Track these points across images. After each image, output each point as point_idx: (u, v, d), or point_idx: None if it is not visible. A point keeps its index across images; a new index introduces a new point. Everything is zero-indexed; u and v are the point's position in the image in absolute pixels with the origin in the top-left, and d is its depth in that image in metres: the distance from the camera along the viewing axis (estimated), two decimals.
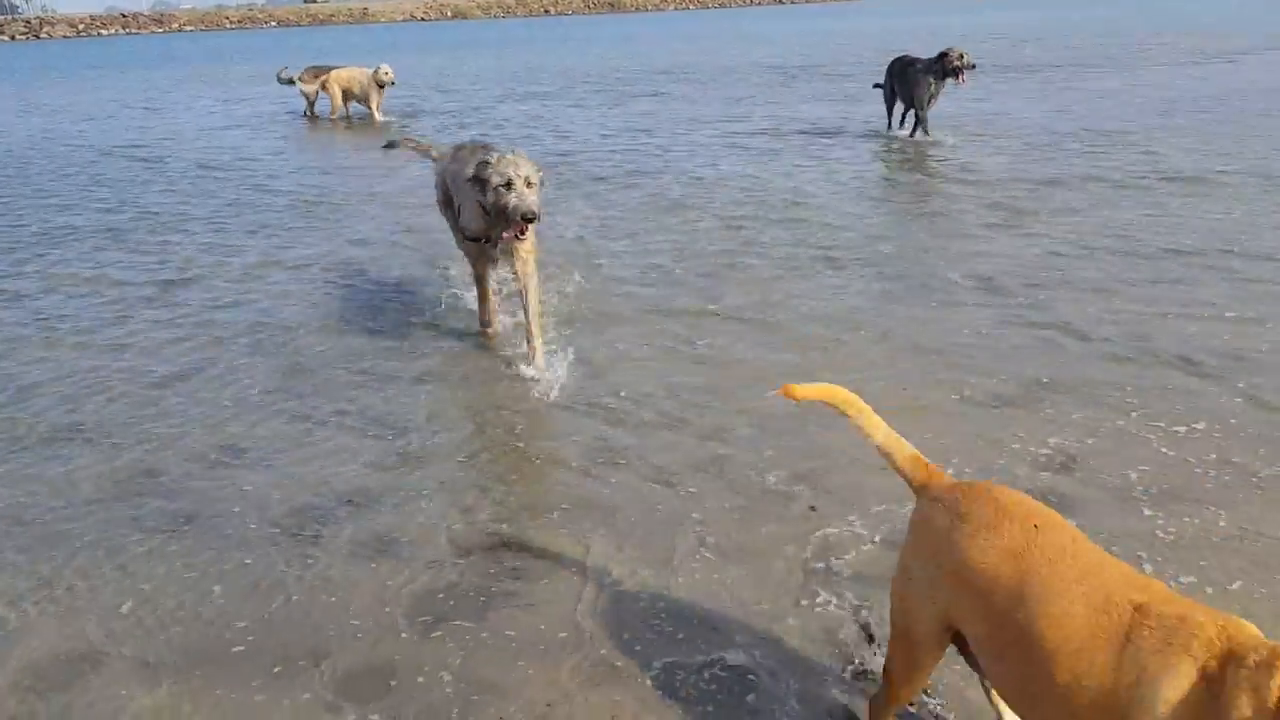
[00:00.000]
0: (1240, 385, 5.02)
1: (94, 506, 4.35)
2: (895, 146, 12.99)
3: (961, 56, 12.85)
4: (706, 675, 3.12)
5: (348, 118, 18.29)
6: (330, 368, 5.89)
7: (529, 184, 5.48)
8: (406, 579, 3.71)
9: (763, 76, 23.04)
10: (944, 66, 12.89)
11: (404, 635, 3.39)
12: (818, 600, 3.47)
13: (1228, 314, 6.04)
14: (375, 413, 5.23)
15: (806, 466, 4.41)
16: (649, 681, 3.10)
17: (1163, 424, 4.66)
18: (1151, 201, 9.02)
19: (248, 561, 3.88)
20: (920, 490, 2.49)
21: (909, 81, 13.34)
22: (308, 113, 18.70)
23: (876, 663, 3.11)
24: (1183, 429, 4.60)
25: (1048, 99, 16.34)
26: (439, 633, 3.39)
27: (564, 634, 3.36)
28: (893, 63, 13.83)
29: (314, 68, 18.85)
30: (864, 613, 3.38)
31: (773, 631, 3.32)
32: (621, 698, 3.04)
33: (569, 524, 4.06)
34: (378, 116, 17.85)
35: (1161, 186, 9.61)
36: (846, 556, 3.73)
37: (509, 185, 5.46)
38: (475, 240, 5.95)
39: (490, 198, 5.51)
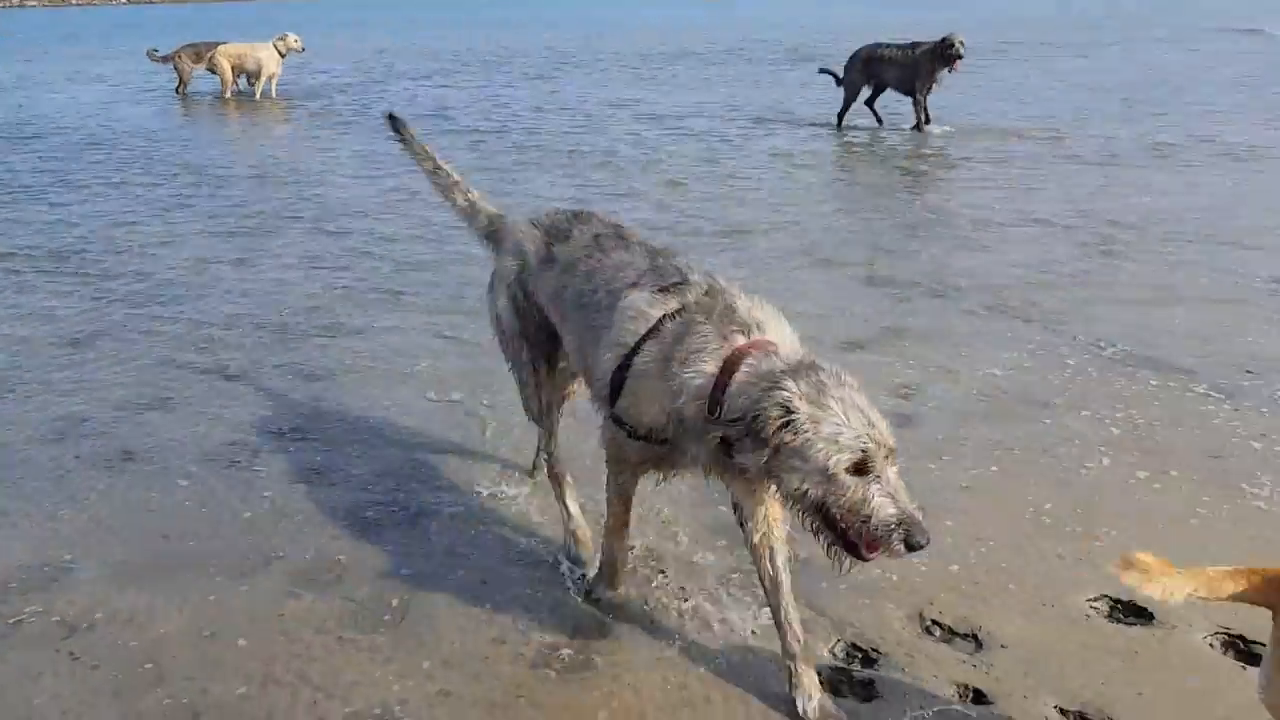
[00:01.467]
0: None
1: (35, 447, 4.64)
2: (826, 130, 13.77)
3: (961, 44, 12.73)
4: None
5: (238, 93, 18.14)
6: (237, 327, 6.23)
7: (891, 455, 2.62)
8: (341, 497, 4.16)
9: (645, 62, 23.73)
10: (945, 53, 12.76)
11: (345, 539, 3.85)
12: None
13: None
14: (291, 362, 5.61)
15: None
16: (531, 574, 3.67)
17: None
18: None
19: (190, 488, 4.26)
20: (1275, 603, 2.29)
21: (908, 66, 13.07)
22: (179, 91, 18.43)
23: None
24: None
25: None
26: (377, 538, 3.86)
27: (483, 534, 3.90)
28: (871, 49, 13.55)
29: (191, 45, 18.58)
30: None
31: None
32: (549, 575, 3.61)
33: (480, 449, 4.59)
34: (272, 93, 17.75)
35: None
36: None
37: (864, 469, 2.60)
38: (647, 439, 3.08)
39: (808, 485, 2.61)
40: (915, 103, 13.29)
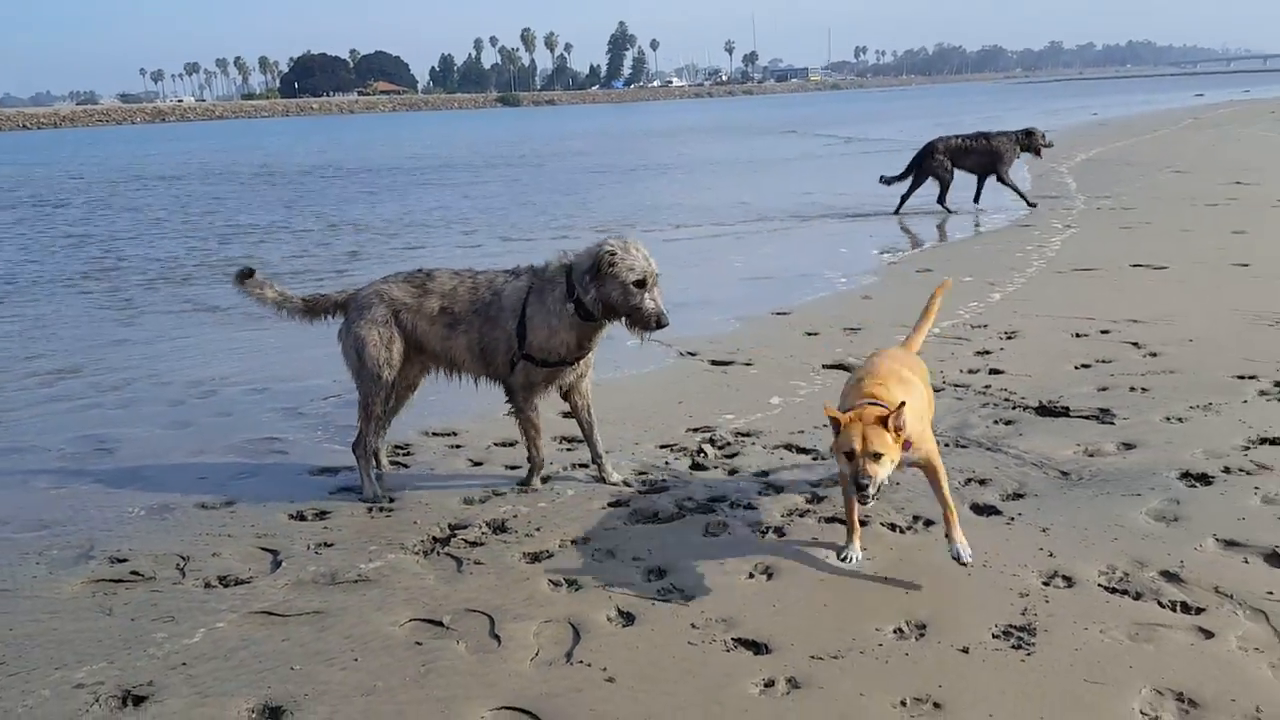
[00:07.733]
0: None
1: None
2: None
3: (1044, 135, 15.44)
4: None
5: None
6: None
7: (655, 278, 5.12)
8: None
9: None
10: (1031, 143, 15.36)
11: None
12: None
13: None
14: None
15: None
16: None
17: None
18: None
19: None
20: None
21: (989, 154, 15.34)
22: None
23: None
24: None
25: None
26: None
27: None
28: (948, 140, 15.64)
29: None
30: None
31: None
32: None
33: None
34: None
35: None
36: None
37: (644, 284, 5.05)
38: (559, 364, 5.37)
39: (616, 294, 5.04)
40: (1007, 184, 15.65)
